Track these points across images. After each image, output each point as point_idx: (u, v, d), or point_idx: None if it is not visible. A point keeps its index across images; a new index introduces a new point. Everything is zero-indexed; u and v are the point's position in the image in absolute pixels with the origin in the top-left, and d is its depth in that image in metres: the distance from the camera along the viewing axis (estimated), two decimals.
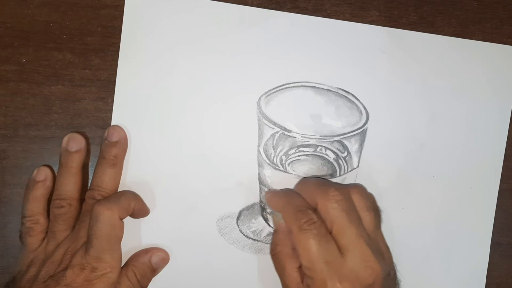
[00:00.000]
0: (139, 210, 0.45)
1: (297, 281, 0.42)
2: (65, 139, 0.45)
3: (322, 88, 0.47)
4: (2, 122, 0.46)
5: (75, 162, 0.44)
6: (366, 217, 0.42)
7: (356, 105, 0.47)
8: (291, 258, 0.43)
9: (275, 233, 0.45)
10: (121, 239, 0.42)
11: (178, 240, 0.46)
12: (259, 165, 0.47)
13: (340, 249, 0.40)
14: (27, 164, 0.46)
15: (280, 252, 0.44)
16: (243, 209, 0.47)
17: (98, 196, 0.43)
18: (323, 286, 0.40)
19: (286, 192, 0.45)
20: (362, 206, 0.42)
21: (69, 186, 0.44)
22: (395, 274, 0.44)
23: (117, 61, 0.46)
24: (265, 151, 0.46)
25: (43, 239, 0.44)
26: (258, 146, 0.47)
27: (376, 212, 0.43)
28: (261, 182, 0.47)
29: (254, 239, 0.47)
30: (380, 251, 0.42)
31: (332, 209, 0.41)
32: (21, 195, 0.45)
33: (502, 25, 0.50)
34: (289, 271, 0.43)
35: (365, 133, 0.47)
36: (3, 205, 0.46)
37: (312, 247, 0.40)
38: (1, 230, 0.46)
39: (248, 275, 0.47)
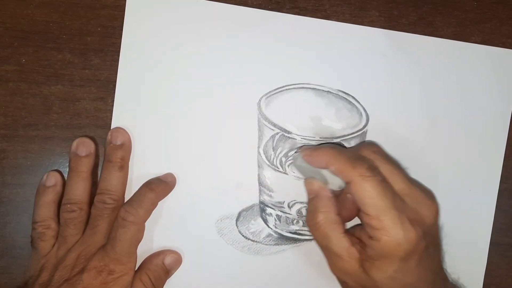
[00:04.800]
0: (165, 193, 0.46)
1: (347, 247, 0.40)
2: (75, 143, 0.44)
3: (323, 90, 0.47)
4: (2, 122, 0.45)
5: (85, 167, 0.44)
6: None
7: (356, 107, 0.47)
8: (337, 224, 0.41)
9: (313, 201, 0.43)
10: (140, 241, 0.43)
11: (177, 240, 0.46)
12: (258, 166, 0.47)
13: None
14: (26, 164, 0.46)
15: (325, 219, 0.41)
16: (243, 210, 0.47)
17: (108, 200, 0.43)
18: (395, 233, 0.38)
19: (329, 145, 0.44)
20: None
21: (79, 190, 0.44)
22: None
23: (117, 61, 0.46)
24: (265, 153, 0.46)
25: (55, 243, 0.44)
26: (258, 147, 0.47)
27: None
28: (260, 183, 0.47)
29: (253, 240, 0.47)
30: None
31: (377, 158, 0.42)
32: (21, 195, 0.45)
33: (502, 26, 0.50)
34: (337, 238, 0.41)
35: (365, 135, 0.47)
36: (2, 205, 0.46)
37: (379, 193, 0.39)
38: (1, 230, 0.46)
39: (247, 276, 0.47)
